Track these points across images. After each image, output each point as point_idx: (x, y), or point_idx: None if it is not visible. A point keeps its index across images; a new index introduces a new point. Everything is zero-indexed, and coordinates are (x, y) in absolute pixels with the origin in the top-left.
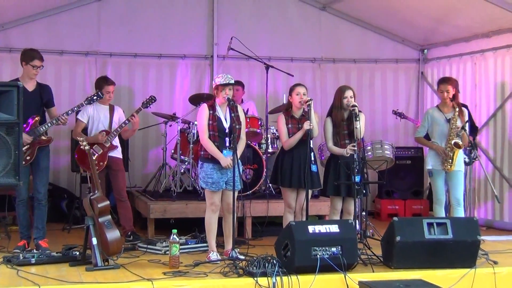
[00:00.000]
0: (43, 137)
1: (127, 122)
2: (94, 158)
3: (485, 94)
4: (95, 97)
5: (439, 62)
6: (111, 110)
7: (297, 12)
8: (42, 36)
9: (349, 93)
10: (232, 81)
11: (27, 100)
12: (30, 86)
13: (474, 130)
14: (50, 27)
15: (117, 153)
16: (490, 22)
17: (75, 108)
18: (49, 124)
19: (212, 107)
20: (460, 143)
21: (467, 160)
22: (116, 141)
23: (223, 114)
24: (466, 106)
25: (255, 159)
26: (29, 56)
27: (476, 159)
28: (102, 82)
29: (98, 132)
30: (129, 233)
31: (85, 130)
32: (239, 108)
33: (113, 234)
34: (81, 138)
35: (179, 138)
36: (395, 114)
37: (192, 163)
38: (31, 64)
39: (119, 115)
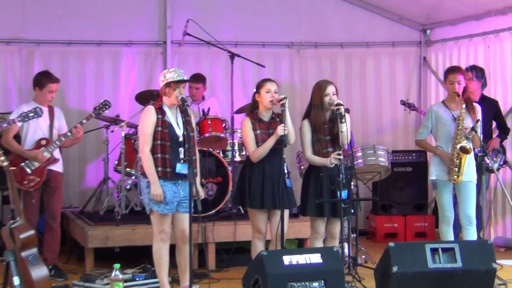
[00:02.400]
0: None
1: (69, 134)
2: (29, 172)
3: (502, 84)
4: (31, 115)
5: (444, 45)
6: (51, 113)
7: None
8: None
9: (331, 89)
10: (185, 77)
11: None
12: None
13: (504, 130)
14: None
15: (58, 167)
16: None
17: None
18: None
19: (160, 110)
20: (468, 147)
21: (491, 166)
22: (57, 153)
23: (174, 118)
24: (495, 102)
25: (219, 170)
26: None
27: (505, 165)
28: (44, 79)
29: (35, 141)
30: (49, 267)
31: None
32: (190, 111)
33: (39, 271)
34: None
35: (123, 146)
36: (404, 105)
37: (141, 176)
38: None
39: (59, 120)
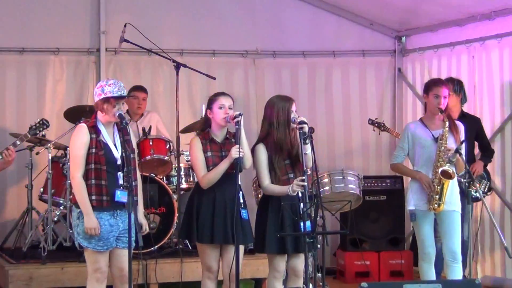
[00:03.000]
0: None
1: None
2: None
3: (488, 99)
4: None
5: (422, 55)
6: None
7: None
8: None
9: (292, 106)
10: (125, 92)
11: None
12: None
13: (488, 152)
14: None
15: None
16: None
17: None
18: None
19: (94, 129)
20: (451, 171)
21: (475, 193)
22: None
23: (110, 138)
24: (477, 119)
25: (163, 199)
26: None
27: (490, 192)
28: None
29: None
30: None
31: None
32: (129, 130)
33: None
34: None
35: (50, 171)
36: (372, 125)
37: (71, 207)
38: None
39: None
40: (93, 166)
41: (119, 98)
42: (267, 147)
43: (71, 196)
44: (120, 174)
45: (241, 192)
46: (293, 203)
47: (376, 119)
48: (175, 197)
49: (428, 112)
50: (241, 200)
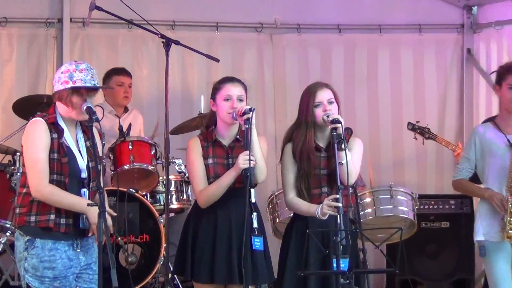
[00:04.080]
0: None
1: None
2: None
3: None
4: None
5: (500, 31)
6: None
7: None
8: None
9: (324, 95)
10: (99, 83)
11: None
12: None
13: None
14: None
15: None
16: None
17: None
18: None
19: (55, 127)
20: None
21: None
22: None
23: (73, 141)
24: None
25: (146, 223)
26: None
27: None
28: None
29: None
30: None
31: None
32: (95, 131)
33: None
34: None
35: None
36: (413, 131)
37: (17, 232)
38: None
39: None
40: (54, 177)
41: (90, 90)
42: (295, 151)
43: (16, 217)
44: (85, 191)
45: (254, 213)
46: (323, 231)
47: (417, 122)
48: (162, 220)
49: (502, 110)
50: (255, 225)
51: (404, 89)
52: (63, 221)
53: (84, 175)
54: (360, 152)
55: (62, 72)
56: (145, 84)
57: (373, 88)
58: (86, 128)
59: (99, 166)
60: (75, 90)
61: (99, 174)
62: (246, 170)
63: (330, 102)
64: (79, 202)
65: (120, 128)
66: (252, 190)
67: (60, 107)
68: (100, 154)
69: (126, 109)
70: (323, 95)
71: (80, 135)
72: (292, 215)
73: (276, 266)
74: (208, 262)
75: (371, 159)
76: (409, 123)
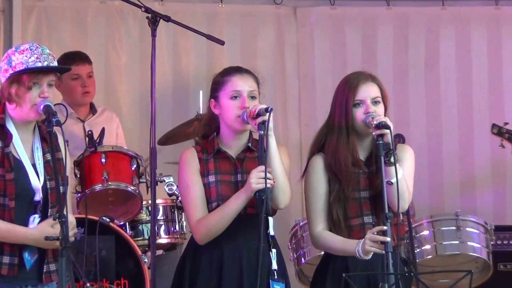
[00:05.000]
0: None
1: None
2: None
3: None
4: None
5: None
6: None
7: None
8: None
9: (368, 92)
10: (54, 63)
11: None
12: None
13: None
14: None
15: None
16: None
17: None
18: None
19: (1, 132)
20: None
21: None
22: None
23: (27, 151)
24: None
25: (124, 264)
26: None
27: None
28: None
29: None
30: None
31: None
32: (60, 140)
33: None
34: None
35: None
36: (499, 135)
37: None
38: None
39: None
40: None
41: (40, 72)
42: (327, 165)
43: None
44: (35, 217)
45: (273, 251)
46: (366, 274)
47: (505, 124)
48: (146, 260)
49: None
50: (274, 266)
51: (475, 80)
52: (4, 259)
53: (37, 197)
54: (412, 166)
55: (2, 60)
56: (124, 75)
57: (433, 80)
58: (47, 132)
59: (62, 187)
60: (15, 78)
61: (62, 197)
62: (262, 192)
63: (376, 102)
64: (15, 234)
65: (90, 134)
66: (270, 219)
67: (8, 106)
68: (68, 170)
69: (93, 109)
70: (367, 92)
71: (38, 145)
72: (323, 253)
73: None
74: None
75: (430, 176)
76: (494, 125)
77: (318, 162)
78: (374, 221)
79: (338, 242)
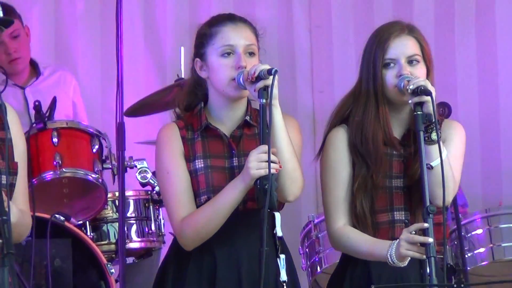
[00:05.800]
0: None
1: None
2: None
3: None
4: None
5: None
6: None
7: None
8: None
9: (402, 48)
10: None
11: None
12: None
13: None
14: None
15: None
16: None
17: None
18: None
19: None
20: None
21: None
22: None
23: None
24: None
25: (84, 276)
26: None
27: None
28: None
29: None
30: None
31: None
32: (10, 109)
33: None
34: None
35: None
36: None
37: None
38: None
39: None
40: None
41: None
42: (350, 143)
43: None
44: None
45: (282, 256)
46: (400, 286)
47: None
48: (113, 270)
49: None
50: (283, 277)
51: None
52: None
53: None
54: (461, 148)
55: None
56: (80, 26)
57: (488, 33)
58: None
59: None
60: None
61: (5, 189)
62: (264, 180)
63: (412, 61)
64: None
65: (37, 105)
66: (277, 216)
67: None
68: (20, 154)
69: (36, 71)
70: (400, 48)
71: None
72: (341, 255)
73: None
74: None
75: (484, 160)
76: None
77: (340, 137)
78: (407, 218)
79: (365, 243)
